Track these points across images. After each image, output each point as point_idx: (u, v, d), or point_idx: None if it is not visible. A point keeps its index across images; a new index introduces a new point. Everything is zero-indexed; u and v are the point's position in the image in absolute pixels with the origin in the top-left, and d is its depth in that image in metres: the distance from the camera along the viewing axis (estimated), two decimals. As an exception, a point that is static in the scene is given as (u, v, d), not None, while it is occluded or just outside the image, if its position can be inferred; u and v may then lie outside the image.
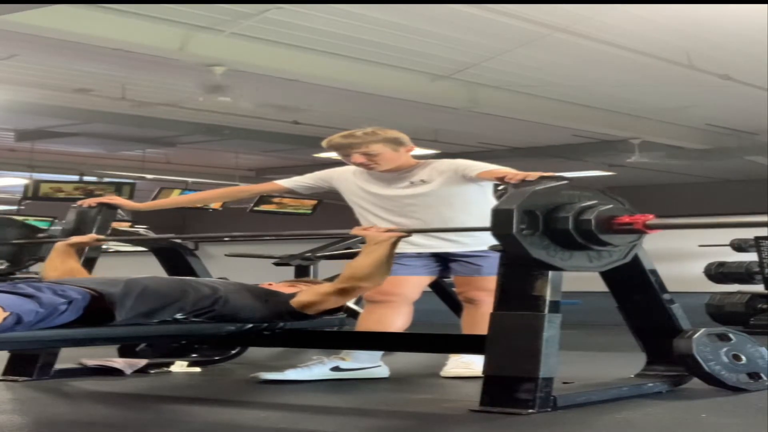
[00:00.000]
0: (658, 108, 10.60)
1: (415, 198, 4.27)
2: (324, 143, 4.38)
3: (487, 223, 3.79)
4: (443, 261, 4.37)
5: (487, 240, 3.89)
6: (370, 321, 4.20)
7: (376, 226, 3.89)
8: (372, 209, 4.35)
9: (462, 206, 4.24)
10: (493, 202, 4.31)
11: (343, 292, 3.75)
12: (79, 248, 4.16)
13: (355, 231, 3.89)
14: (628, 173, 14.81)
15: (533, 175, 3.69)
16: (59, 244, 4.12)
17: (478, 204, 4.24)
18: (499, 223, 3.24)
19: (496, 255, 4.08)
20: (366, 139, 4.22)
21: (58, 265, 4.04)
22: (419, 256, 4.32)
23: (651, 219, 3.34)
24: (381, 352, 4.37)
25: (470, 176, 4.18)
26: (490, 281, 3.92)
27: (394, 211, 4.29)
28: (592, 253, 3.34)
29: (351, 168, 4.38)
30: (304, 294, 3.76)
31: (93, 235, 4.23)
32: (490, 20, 7.13)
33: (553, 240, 3.25)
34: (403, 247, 4.29)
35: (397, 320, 4.27)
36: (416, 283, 4.38)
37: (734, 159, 13.07)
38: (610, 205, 3.35)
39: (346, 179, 4.42)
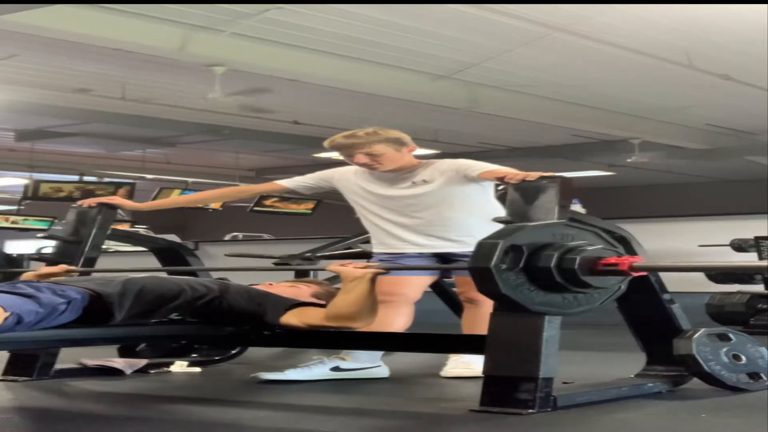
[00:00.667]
0: (658, 108, 10.61)
1: (416, 198, 4.27)
2: (326, 143, 4.37)
3: (489, 222, 3.80)
4: (444, 261, 4.37)
5: None
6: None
7: (353, 262, 3.81)
8: (374, 209, 4.35)
9: (463, 206, 4.24)
10: (494, 202, 4.32)
11: (335, 327, 3.70)
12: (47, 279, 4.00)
13: (330, 268, 3.78)
14: (628, 173, 14.83)
15: (533, 174, 3.68)
16: (27, 275, 3.95)
17: (480, 204, 4.24)
18: (480, 255, 3.20)
19: None
20: (368, 140, 4.22)
21: None
22: (420, 256, 4.32)
23: (638, 261, 3.29)
24: (381, 352, 4.37)
25: (471, 176, 4.18)
26: None
27: (395, 210, 4.29)
28: (568, 296, 3.27)
29: (352, 168, 4.38)
30: (292, 317, 3.68)
31: (63, 266, 4.05)
32: (490, 20, 7.14)
33: (531, 278, 3.21)
34: (403, 248, 4.29)
35: (398, 320, 4.26)
36: (417, 284, 4.38)
37: (734, 159, 13.08)
38: (600, 246, 3.31)
39: (347, 179, 4.41)
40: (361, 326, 3.67)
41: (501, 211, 4.14)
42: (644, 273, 3.37)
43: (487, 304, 4.11)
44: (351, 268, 3.60)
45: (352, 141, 4.24)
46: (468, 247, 4.26)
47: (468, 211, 4.22)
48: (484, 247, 3.21)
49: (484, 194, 4.29)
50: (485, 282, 3.19)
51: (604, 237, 3.38)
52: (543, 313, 3.23)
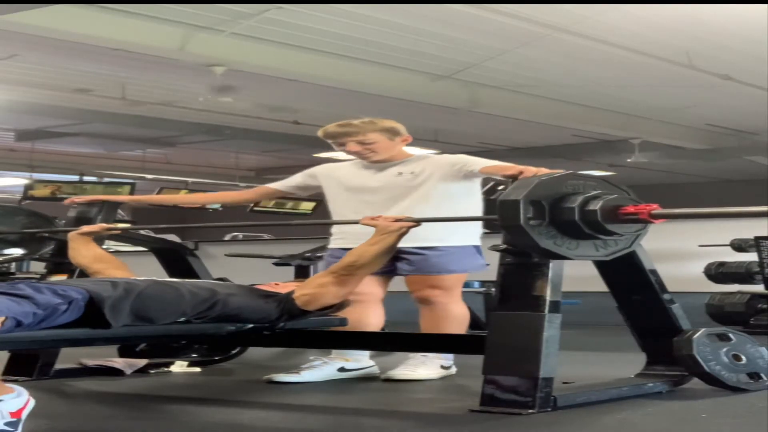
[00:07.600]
0: (658, 108, 10.62)
1: (397, 188, 4.18)
2: (320, 132, 4.34)
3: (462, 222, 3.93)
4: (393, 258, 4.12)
5: (450, 238, 4.03)
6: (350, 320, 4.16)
7: (384, 215, 3.80)
8: (341, 200, 4.29)
9: (439, 202, 4.15)
10: (478, 201, 4.27)
11: (342, 282, 3.69)
12: (94, 236, 4.16)
13: (364, 221, 3.79)
14: (628, 173, 14.84)
15: (543, 171, 3.62)
16: (73, 234, 4.12)
17: (459, 202, 4.18)
18: (506, 213, 3.19)
19: (456, 252, 4.07)
20: (364, 128, 4.19)
21: (85, 252, 4.07)
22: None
23: (655, 209, 3.31)
24: (368, 352, 4.37)
25: (469, 171, 4.12)
26: (443, 279, 4.03)
27: (366, 202, 4.18)
28: (599, 242, 3.33)
29: (338, 164, 4.38)
30: (305, 287, 3.70)
31: (102, 225, 4.24)
32: (490, 20, 7.15)
33: (560, 230, 3.23)
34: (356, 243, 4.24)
35: (374, 319, 4.23)
36: (381, 281, 4.29)
37: (734, 159, 13.09)
38: (615, 195, 3.33)
39: (331, 175, 4.36)
40: (366, 274, 3.76)
41: (481, 211, 4.22)
42: (663, 220, 3.37)
43: (442, 304, 4.12)
44: (384, 221, 3.73)
45: (347, 129, 4.21)
46: (418, 242, 4.07)
47: (441, 207, 4.14)
48: (507, 204, 3.19)
49: (468, 193, 4.23)
50: (521, 238, 3.20)
51: (611, 183, 3.40)
52: (584, 258, 3.34)
